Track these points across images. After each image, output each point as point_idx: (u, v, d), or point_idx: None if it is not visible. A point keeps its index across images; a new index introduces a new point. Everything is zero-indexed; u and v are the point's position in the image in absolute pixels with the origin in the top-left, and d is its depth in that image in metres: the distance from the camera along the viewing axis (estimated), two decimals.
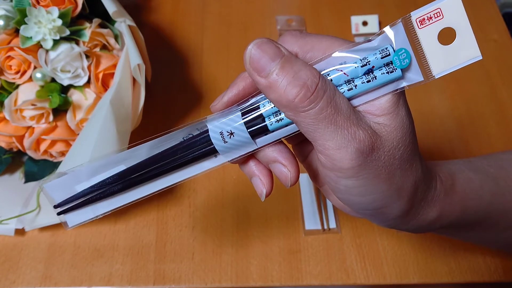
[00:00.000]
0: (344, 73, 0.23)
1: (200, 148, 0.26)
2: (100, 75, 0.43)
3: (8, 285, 0.42)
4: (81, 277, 0.42)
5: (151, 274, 0.42)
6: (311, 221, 0.45)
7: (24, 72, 0.42)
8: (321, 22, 0.61)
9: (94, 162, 0.27)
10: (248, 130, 0.25)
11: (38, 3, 0.42)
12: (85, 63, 0.43)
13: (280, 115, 0.24)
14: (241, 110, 0.25)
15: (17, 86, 0.43)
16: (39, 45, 0.42)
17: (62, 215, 0.28)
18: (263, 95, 0.25)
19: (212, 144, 0.26)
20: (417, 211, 0.27)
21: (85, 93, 0.43)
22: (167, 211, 0.46)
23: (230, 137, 0.25)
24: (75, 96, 0.43)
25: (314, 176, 0.28)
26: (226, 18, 0.61)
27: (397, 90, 0.24)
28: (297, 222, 0.45)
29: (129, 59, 0.43)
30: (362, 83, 0.23)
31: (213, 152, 0.26)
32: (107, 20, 0.46)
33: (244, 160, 0.27)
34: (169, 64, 0.56)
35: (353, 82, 0.23)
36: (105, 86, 0.44)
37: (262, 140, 0.25)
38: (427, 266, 0.43)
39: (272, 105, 0.24)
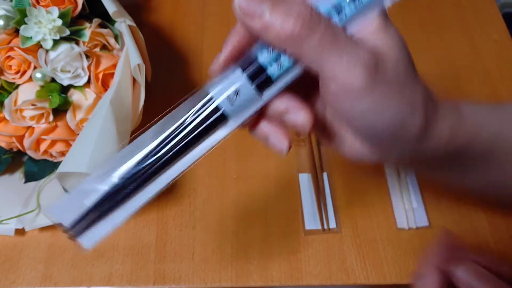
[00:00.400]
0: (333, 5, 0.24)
1: (207, 118, 0.25)
2: (100, 75, 0.43)
3: (8, 285, 0.42)
4: (81, 277, 0.42)
5: (151, 274, 0.42)
6: (311, 221, 0.45)
7: (24, 72, 0.42)
8: None
9: (98, 170, 0.25)
10: (252, 85, 0.24)
11: (38, 3, 0.42)
12: (85, 63, 0.43)
13: (280, 59, 0.24)
14: (241, 67, 0.24)
15: (17, 86, 0.43)
16: (39, 45, 0.42)
17: (76, 239, 0.25)
18: (259, 46, 0.24)
19: (218, 110, 0.25)
20: (431, 127, 0.27)
21: (85, 93, 0.43)
22: (167, 211, 0.46)
23: (236, 98, 0.24)
24: (75, 96, 0.43)
25: (323, 128, 0.28)
26: (226, 18, 0.61)
27: (382, 5, 0.25)
28: (297, 222, 0.45)
29: (129, 59, 0.43)
30: (350, 10, 0.24)
31: (222, 119, 0.25)
32: (107, 20, 0.46)
33: (254, 122, 0.27)
34: (169, 64, 0.56)
35: (343, 11, 0.24)
36: (105, 86, 0.44)
37: (268, 94, 0.25)
38: None
39: (271, 52, 0.24)
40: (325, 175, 0.48)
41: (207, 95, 0.25)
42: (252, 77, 0.24)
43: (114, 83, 0.42)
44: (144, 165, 0.25)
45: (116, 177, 0.25)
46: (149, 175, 0.25)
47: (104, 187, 0.25)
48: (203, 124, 0.25)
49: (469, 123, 0.29)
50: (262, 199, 0.47)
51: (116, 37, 0.46)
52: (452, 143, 0.28)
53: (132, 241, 0.44)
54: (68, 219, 0.25)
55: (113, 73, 0.44)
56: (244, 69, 0.24)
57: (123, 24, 0.44)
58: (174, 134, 0.26)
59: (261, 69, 0.24)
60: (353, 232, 0.45)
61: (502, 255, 0.43)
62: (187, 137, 0.26)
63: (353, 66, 0.23)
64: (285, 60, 0.24)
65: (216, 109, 0.25)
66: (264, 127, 0.27)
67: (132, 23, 0.45)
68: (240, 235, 0.45)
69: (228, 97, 0.24)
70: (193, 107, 0.26)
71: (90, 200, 0.25)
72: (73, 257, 0.43)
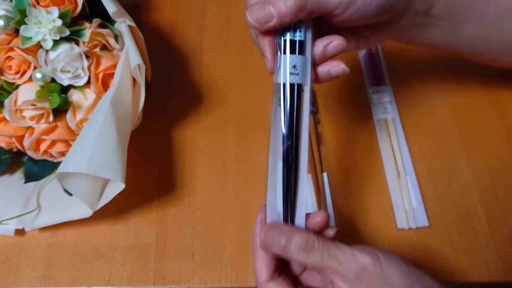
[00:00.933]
0: None
1: (293, 96, 0.33)
2: (100, 75, 0.43)
3: (8, 285, 0.42)
4: (81, 277, 0.42)
5: (151, 274, 0.42)
6: None
7: (24, 72, 0.42)
8: None
9: (269, 186, 0.33)
10: (296, 53, 0.33)
11: (38, 3, 0.42)
12: (85, 63, 0.43)
13: (297, 28, 0.33)
14: (281, 52, 0.33)
15: (17, 86, 0.43)
16: (39, 45, 0.42)
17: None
18: (280, 33, 0.33)
19: (293, 86, 0.33)
20: None
21: (85, 93, 0.43)
22: (167, 211, 0.46)
23: (295, 69, 0.33)
24: (75, 96, 0.43)
25: None
26: (226, 18, 0.61)
27: None
28: None
29: (129, 59, 0.43)
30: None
31: (300, 89, 0.33)
32: (107, 20, 0.46)
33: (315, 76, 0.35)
34: (169, 64, 0.57)
35: None
36: (105, 86, 0.44)
37: (308, 50, 0.33)
38: (427, 266, 0.43)
39: (290, 30, 0.33)
40: (325, 175, 0.48)
41: (279, 84, 0.33)
42: (292, 50, 0.33)
43: (114, 83, 0.42)
44: (292, 159, 0.33)
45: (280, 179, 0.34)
46: (296, 163, 0.33)
47: (279, 189, 0.34)
48: (294, 101, 0.33)
49: None
50: (262, 199, 0.47)
51: (116, 37, 0.46)
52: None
53: (132, 241, 0.44)
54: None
55: (113, 73, 0.44)
56: (284, 51, 0.33)
57: (123, 24, 0.45)
58: (287, 127, 0.33)
59: (292, 42, 0.33)
60: (353, 232, 0.45)
61: (503, 255, 0.43)
62: (293, 119, 0.33)
63: None
64: (300, 25, 0.33)
65: (291, 86, 0.32)
66: (322, 67, 0.34)
67: (132, 23, 0.45)
68: (240, 235, 0.45)
69: (291, 73, 0.32)
70: (279, 101, 0.33)
71: (279, 204, 0.33)
72: (73, 257, 0.43)
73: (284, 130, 0.33)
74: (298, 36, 0.33)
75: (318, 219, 0.32)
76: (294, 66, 0.33)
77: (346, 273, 0.29)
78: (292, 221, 0.33)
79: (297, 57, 0.33)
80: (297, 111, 0.33)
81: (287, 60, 0.33)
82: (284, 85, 0.33)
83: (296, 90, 0.33)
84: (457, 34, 0.39)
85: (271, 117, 0.34)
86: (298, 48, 0.33)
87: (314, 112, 0.52)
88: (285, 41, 0.33)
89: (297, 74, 0.33)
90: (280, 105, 0.33)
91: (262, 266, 0.31)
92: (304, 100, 0.33)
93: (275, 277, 0.31)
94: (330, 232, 0.33)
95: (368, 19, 0.33)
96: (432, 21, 0.37)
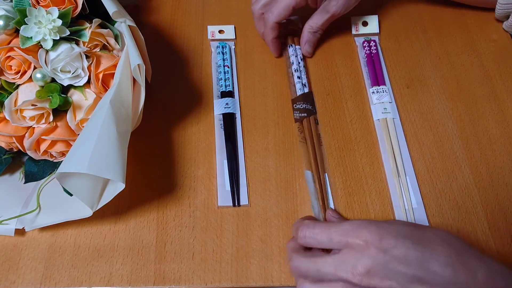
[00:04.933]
0: None
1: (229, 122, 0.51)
2: (100, 75, 0.43)
3: (8, 285, 0.42)
4: (81, 277, 0.42)
5: (151, 274, 0.42)
6: None
7: (24, 72, 0.42)
8: None
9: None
10: None
11: (38, 3, 0.42)
12: (85, 63, 0.43)
13: None
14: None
15: (17, 86, 0.43)
16: (39, 45, 0.42)
17: None
18: None
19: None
20: None
21: (85, 93, 0.43)
22: (167, 211, 0.46)
23: (228, 106, 0.51)
24: (75, 96, 0.43)
25: None
26: (226, 18, 0.61)
27: None
28: None
29: (129, 59, 0.43)
30: None
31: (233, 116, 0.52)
32: (107, 21, 0.46)
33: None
34: (169, 64, 0.57)
35: None
36: (105, 86, 0.44)
37: None
38: None
39: None
40: (326, 176, 0.48)
41: (220, 114, 0.50)
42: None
43: (114, 83, 0.42)
44: None
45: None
46: None
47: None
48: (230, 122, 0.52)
49: None
50: (262, 199, 0.47)
51: (116, 38, 0.46)
52: None
53: (132, 241, 0.44)
54: None
55: (113, 74, 0.44)
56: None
57: (123, 24, 0.45)
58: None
59: (224, 92, 0.52)
60: None
61: (503, 255, 0.43)
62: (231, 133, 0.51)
63: None
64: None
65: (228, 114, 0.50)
66: None
67: (132, 24, 0.45)
68: (240, 235, 0.45)
69: (225, 107, 0.51)
70: (221, 124, 0.51)
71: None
72: (73, 257, 0.43)
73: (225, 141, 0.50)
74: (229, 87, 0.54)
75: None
76: (227, 103, 0.52)
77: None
78: (238, 197, 0.47)
79: (228, 99, 0.53)
80: (232, 129, 0.51)
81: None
82: (223, 114, 0.52)
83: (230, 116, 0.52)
84: None
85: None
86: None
87: (312, 113, 0.52)
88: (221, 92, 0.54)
89: (230, 107, 0.52)
90: (221, 127, 0.51)
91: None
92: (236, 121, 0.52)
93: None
94: None
95: None
96: None
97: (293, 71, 0.55)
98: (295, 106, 0.52)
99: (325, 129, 0.51)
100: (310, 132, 0.50)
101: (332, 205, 0.46)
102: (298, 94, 0.53)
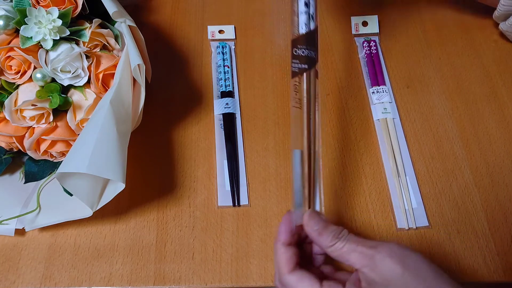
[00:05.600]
0: None
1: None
2: (100, 76, 0.43)
3: (8, 285, 0.42)
4: (81, 277, 0.42)
5: (151, 274, 0.42)
6: None
7: (24, 72, 0.42)
8: (322, 22, 0.61)
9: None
10: None
11: (38, 3, 0.42)
12: (85, 63, 0.43)
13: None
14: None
15: (17, 86, 0.43)
16: (39, 45, 0.42)
17: None
18: None
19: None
20: None
21: (85, 93, 0.43)
22: (167, 211, 0.46)
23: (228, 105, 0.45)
24: (75, 96, 0.43)
25: None
26: (226, 18, 0.61)
27: None
28: None
29: (129, 59, 0.43)
30: None
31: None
32: (107, 21, 0.46)
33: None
34: (169, 64, 0.57)
35: None
36: (105, 86, 0.44)
37: None
38: None
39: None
40: (318, 157, 0.38)
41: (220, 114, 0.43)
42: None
43: (114, 83, 0.42)
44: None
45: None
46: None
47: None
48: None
49: None
50: (262, 199, 0.47)
51: (116, 38, 0.46)
52: None
53: (132, 241, 0.44)
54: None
55: (113, 74, 0.44)
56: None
57: (123, 24, 0.45)
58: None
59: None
60: (353, 232, 0.45)
61: (503, 255, 0.43)
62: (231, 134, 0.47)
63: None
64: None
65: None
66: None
67: (132, 24, 0.45)
68: (240, 235, 0.45)
69: (225, 107, 0.44)
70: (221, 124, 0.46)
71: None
72: (73, 257, 0.43)
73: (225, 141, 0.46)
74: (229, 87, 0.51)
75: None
76: (227, 103, 0.51)
77: (374, 276, 0.32)
78: (238, 197, 0.46)
79: (228, 99, 0.51)
80: (232, 129, 0.48)
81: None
82: (223, 114, 0.49)
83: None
84: None
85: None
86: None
87: (314, 63, 0.39)
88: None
89: (230, 107, 0.50)
90: (221, 127, 0.49)
91: (285, 260, 0.34)
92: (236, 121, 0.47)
93: (297, 269, 0.34)
94: None
95: None
96: None
97: None
98: (296, 51, 0.38)
99: (325, 129, 0.51)
100: (309, 93, 0.38)
101: (318, 202, 0.38)
102: (301, 32, 0.38)
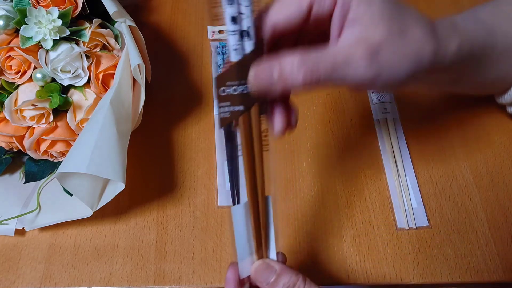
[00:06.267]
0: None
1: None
2: (100, 75, 0.43)
3: (8, 285, 0.42)
4: (81, 277, 0.42)
5: (151, 274, 0.42)
6: None
7: (24, 72, 0.42)
8: None
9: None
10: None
11: (38, 3, 0.42)
12: (85, 63, 0.43)
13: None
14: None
15: (17, 86, 0.43)
16: (39, 45, 0.42)
17: None
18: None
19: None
20: (443, 43, 0.31)
21: (85, 93, 0.43)
22: (167, 211, 0.46)
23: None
24: (75, 96, 0.43)
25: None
26: None
27: None
28: (296, 222, 0.45)
29: (129, 59, 0.43)
30: None
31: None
32: (107, 21, 0.46)
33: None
34: (169, 64, 0.57)
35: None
36: (105, 86, 0.44)
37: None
38: (427, 266, 0.43)
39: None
40: (269, 198, 0.32)
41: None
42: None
43: (114, 83, 0.42)
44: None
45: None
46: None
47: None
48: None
49: (464, 29, 0.34)
50: None
51: (116, 38, 0.46)
52: (460, 51, 0.33)
53: (132, 241, 0.44)
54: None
55: (113, 74, 0.44)
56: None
57: (123, 24, 0.45)
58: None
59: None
60: (353, 232, 0.45)
61: (503, 255, 0.44)
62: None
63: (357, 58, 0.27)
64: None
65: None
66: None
67: (132, 23, 0.45)
68: None
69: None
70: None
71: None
72: (73, 257, 0.43)
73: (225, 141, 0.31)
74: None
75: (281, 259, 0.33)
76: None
77: None
78: (238, 197, 0.33)
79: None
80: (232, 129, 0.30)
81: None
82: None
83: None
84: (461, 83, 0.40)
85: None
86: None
87: (253, 101, 0.28)
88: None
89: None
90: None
91: None
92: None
93: None
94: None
95: (393, 88, 0.32)
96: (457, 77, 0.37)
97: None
98: (223, 91, 0.27)
99: (325, 129, 0.51)
100: (249, 138, 0.29)
101: (273, 248, 0.33)
102: (232, 60, 0.27)
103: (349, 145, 0.50)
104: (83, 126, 0.43)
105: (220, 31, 0.59)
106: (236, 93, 0.27)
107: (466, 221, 0.45)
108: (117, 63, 0.44)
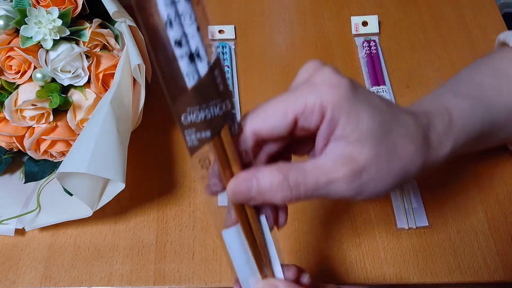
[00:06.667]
0: None
1: None
2: (101, 75, 0.43)
3: (8, 285, 0.42)
4: (81, 277, 0.42)
5: (151, 274, 0.42)
6: None
7: (24, 72, 0.42)
8: (321, 23, 0.61)
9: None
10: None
11: (38, 3, 0.42)
12: (85, 63, 0.43)
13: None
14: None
15: (17, 86, 0.43)
16: (39, 45, 0.42)
17: None
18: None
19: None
20: (435, 152, 0.30)
21: (86, 93, 0.43)
22: (167, 211, 0.46)
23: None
24: (75, 96, 0.43)
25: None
26: (226, 18, 0.61)
27: None
28: (297, 221, 0.45)
29: (129, 59, 0.43)
30: None
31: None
32: (107, 20, 0.46)
33: None
34: None
35: None
36: (105, 86, 0.44)
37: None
38: (427, 266, 0.43)
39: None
40: (262, 218, 0.29)
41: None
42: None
43: (114, 83, 0.42)
44: None
45: None
46: None
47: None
48: None
49: (460, 126, 0.32)
50: None
51: (116, 37, 0.46)
52: (453, 152, 0.31)
53: (132, 241, 0.44)
54: None
55: (113, 73, 0.44)
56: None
57: (123, 24, 0.45)
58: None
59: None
60: (353, 232, 0.45)
61: (503, 255, 0.43)
62: None
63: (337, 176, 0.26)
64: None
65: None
66: None
67: (132, 23, 0.45)
68: None
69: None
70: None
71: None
72: (73, 257, 0.43)
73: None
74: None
75: (291, 272, 0.31)
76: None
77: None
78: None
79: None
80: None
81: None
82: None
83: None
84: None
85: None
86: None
87: (223, 122, 0.26)
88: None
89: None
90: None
91: None
92: None
93: None
94: (305, 278, 0.31)
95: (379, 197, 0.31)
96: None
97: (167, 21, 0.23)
98: (186, 118, 0.25)
99: None
100: (224, 162, 0.27)
101: (278, 267, 0.31)
102: (189, 85, 0.25)
103: None
104: (83, 126, 0.43)
105: (220, 31, 0.59)
106: (200, 119, 0.25)
107: (466, 221, 0.45)
108: (117, 63, 0.44)
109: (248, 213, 0.28)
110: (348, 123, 0.26)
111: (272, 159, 0.29)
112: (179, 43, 0.23)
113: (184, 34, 0.23)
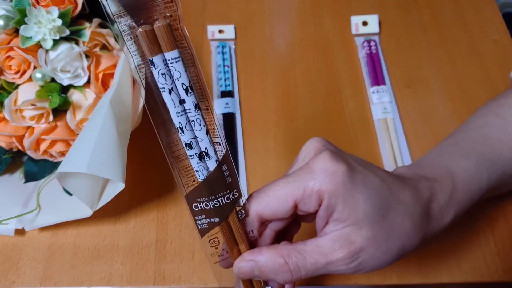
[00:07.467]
0: None
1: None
2: (100, 75, 0.43)
3: (8, 285, 0.42)
4: (81, 277, 0.42)
5: (151, 274, 0.42)
6: None
7: (24, 72, 0.42)
8: (321, 23, 0.61)
9: None
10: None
11: (38, 3, 0.42)
12: (85, 63, 0.43)
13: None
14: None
15: (17, 86, 0.43)
16: (39, 45, 0.42)
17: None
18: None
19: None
20: (436, 223, 0.31)
21: (85, 93, 0.43)
22: (167, 211, 0.46)
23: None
24: (75, 96, 0.43)
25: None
26: (226, 18, 0.61)
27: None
28: None
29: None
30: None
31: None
32: (107, 20, 0.46)
33: None
34: None
35: None
36: (105, 86, 0.44)
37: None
38: (428, 266, 0.43)
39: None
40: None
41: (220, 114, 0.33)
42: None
43: (114, 83, 0.42)
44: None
45: None
46: None
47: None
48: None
49: (465, 191, 0.33)
50: None
51: (116, 37, 0.46)
52: (456, 217, 0.33)
53: (132, 241, 0.44)
54: None
55: (113, 73, 0.44)
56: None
57: (123, 24, 0.44)
58: None
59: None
60: None
61: (503, 256, 0.43)
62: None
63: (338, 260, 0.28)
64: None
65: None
66: None
67: (133, 23, 0.45)
68: None
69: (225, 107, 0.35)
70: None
71: None
72: (73, 257, 0.43)
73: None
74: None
75: None
76: (227, 103, 0.48)
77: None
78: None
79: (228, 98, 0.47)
80: (232, 129, 0.45)
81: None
82: (223, 114, 0.47)
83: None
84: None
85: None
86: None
87: (232, 204, 0.29)
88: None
89: (230, 107, 0.48)
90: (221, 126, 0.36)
91: None
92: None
93: None
94: None
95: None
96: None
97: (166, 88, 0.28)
98: (196, 207, 0.28)
99: (325, 129, 0.51)
100: (233, 243, 0.31)
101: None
102: (199, 179, 0.28)
103: (349, 145, 0.50)
104: (82, 126, 0.43)
105: (220, 31, 0.59)
106: (209, 207, 0.28)
107: (466, 221, 0.45)
108: (117, 63, 0.44)
109: (255, 285, 0.33)
110: (344, 208, 0.27)
111: (279, 232, 0.32)
112: (189, 146, 0.27)
113: (193, 138, 0.27)
